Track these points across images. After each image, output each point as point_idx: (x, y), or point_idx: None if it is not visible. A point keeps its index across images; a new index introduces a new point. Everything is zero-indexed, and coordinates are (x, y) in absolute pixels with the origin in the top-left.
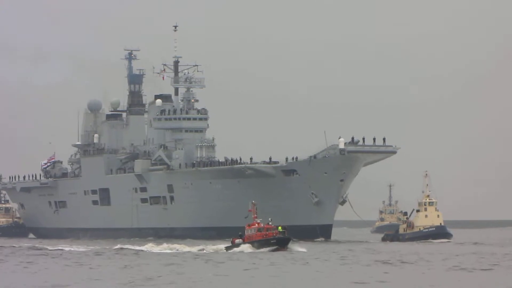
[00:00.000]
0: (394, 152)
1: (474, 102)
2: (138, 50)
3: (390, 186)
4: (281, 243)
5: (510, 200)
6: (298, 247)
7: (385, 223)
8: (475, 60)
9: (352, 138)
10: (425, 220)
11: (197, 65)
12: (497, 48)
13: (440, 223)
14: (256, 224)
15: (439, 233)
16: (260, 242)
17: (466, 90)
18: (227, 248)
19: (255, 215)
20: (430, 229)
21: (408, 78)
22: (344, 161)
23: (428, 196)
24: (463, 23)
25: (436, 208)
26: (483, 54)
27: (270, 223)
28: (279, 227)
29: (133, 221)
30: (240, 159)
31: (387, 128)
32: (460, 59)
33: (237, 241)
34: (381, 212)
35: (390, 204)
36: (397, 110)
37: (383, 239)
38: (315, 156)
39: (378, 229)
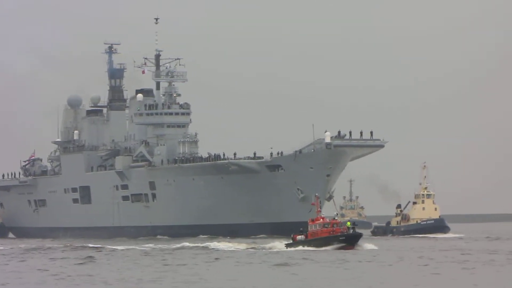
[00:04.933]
0: (382, 146)
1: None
2: (119, 44)
3: (350, 181)
4: (351, 240)
5: (500, 194)
6: (368, 245)
7: (346, 218)
8: (475, 60)
9: (339, 132)
10: (422, 212)
11: (179, 59)
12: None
13: (438, 216)
14: (321, 219)
15: (438, 226)
16: (326, 239)
17: (462, 88)
18: (288, 246)
19: (319, 209)
20: (428, 222)
21: (403, 76)
22: (331, 155)
23: (426, 188)
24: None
25: (433, 200)
26: (483, 54)
27: (337, 218)
28: (348, 223)
29: (114, 220)
30: (224, 154)
31: (375, 122)
32: (458, 59)
33: (299, 237)
34: (341, 207)
35: (350, 200)
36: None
37: (373, 233)
38: (300, 151)
39: None
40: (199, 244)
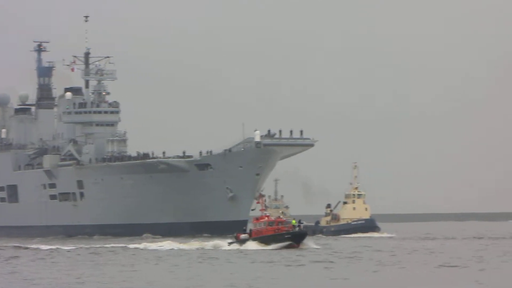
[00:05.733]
0: (312, 145)
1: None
2: (48, 42)
3: (275, 180)
4: (296, 239)
5: (430, 194)
6: (312, 244)
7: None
8: (404, 53)
9: (269, 131)
10: (352, 212)
11: (109, 57)
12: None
13: (369, 216)
14: (266, 218)
15: (368, 226)
16: (271, 238)
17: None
18: (231, 244)
19: (263, 208)
20: (359, 222)
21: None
22: (260, 154)
23: (356, 188)
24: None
25: (364, 200)
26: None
27: (282, 217)
28: (293, 221)
29: (42, 219)
30: (153, 153)
31: (305, 121)
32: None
33: (243, 236)
34: (266, 207)
35: (275, 199)
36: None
37: None
38: (230, 150)
39: None
40: (137, 245)
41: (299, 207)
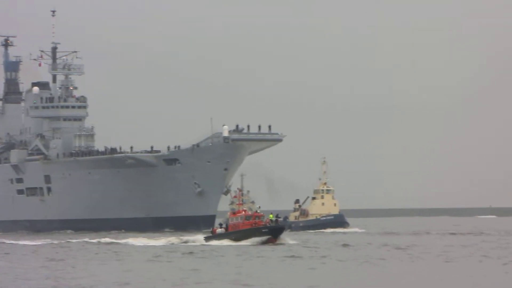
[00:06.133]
0: (280, 140)
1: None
2: (15, 37)
3: (241, 175)
4: (274, 233)
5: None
6: (289, 239)
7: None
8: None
9: (237, 126)
10: (321, 208)
11: (76, 51)
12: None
13: (338, 212)
14: (243, 212)
15: (338, 221)
16: (249, 232)
17: (363, 83)
18: (207, 239)
19: (240, 202)
20: (328, 218)
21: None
22: (228, 149)
23: (325, 183)
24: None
25: (333, 196)
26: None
27: (259, 211)
28: (271, 215)
29: (9, 214)
30: (120, 148)
31: (274, 116)
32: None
33: (219, 230)
34: (232, 202)
35: (242, 194)
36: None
37: None
38: (198, 145)
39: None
40: (114, 240)
41: (266, 202)
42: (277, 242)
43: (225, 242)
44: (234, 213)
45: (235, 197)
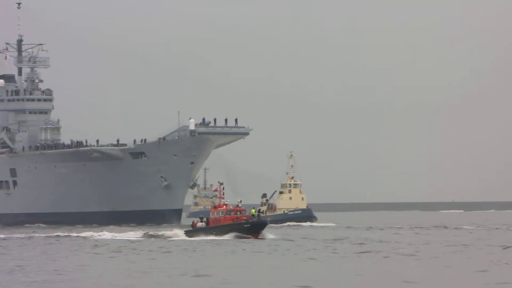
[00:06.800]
0: (247, 134)
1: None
2: None
3: (205, 169)
4: (256, 228)
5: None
6: (269, 234)
7: (200, 207)
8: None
9: (203, 119)
10: (289, 202)
11: (42, 44)
12: None
13: (305, 206)
14: (224, 206)
15: (305, 216)
16: (230, 227)
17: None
18: (187, 233)
19: (222, 196)
20: (296, 212)
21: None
22: (195, 143)
23: (292, 177)
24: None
25: (300, 190)
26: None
27: (240, 205)
28: (253, 210)
29: None
30: (86, 141)
31: (241, 109)
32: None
33: (199, 224)
34: (195, 196)
35: (205, 188)
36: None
37: None
38: (164, 138)
39: (193, 214)
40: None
41: (231, 196)
42: (259, 237)
43: (208, 238)
44: (215, 207)
45: (215, 190)
